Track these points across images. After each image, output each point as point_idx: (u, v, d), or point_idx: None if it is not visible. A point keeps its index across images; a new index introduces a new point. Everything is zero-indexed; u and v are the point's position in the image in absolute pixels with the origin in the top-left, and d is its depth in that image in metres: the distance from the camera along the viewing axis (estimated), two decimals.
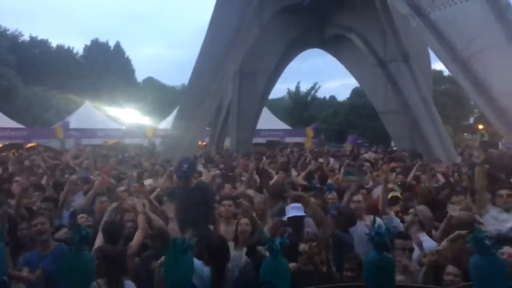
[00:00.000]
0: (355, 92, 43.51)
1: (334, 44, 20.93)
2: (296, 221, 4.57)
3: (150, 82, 58.63)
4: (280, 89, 62.91)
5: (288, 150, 18.45)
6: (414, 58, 16.20)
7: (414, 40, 16.25)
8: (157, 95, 48.58)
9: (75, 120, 24.84)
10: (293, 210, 4.63)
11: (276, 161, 11.06)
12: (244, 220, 4.52)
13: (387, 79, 17.04)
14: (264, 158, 11.94)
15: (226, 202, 5.06)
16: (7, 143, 21.70)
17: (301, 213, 4.61)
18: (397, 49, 16.23)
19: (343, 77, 67.65)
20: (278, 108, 42.31)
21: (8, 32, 42.96)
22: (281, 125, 32.79)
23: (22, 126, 24.56)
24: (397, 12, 14.21)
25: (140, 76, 59.76)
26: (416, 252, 4.15)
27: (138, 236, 4.44)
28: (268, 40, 18.25)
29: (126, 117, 31.11)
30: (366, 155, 14.41)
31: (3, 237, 2.28)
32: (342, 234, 4.52)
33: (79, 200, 6.57)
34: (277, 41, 19.42)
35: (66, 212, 5.78)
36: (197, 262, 3.23)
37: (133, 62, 57.26)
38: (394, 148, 20.90)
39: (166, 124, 28.28)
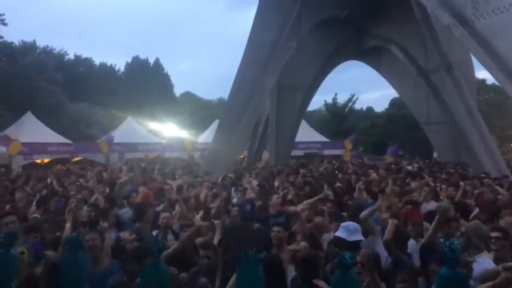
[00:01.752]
0: (393, 103, 42.75)
1: (374, 56, 20.74)
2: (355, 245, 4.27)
3: (188, 96, 59.92)
4: (316, 101, 62.43)
5: (325, 162, 18.20)
6: (456, 67, 15.80)
7: (456, 49, 15.86)
8: (195, 109, 49.53)
9: (118, 135, 25.66)
10: (354, 233, 4.33)
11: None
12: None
13: (429, 89, 16.67)
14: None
15: (276, 228, 4.87)
16: (54, 157, 22.76)
17: (361, 237, 4.39)
18: (439, 59, 15.86)
19: (381, 88, 66.31)
20: (315, 120, 42.11)
21: (55, 51, 44.98)
22: (319, 137, 32.53)
23: (69, 142, 25.63)
24: (437, 21, 13.94)
25: (177, 90, 61.20)
26: None
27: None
28: (306, 54, 18.31)
29: (166, 131, 31.93)
30: (409, 167, 14.06)
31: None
32: (403, 257, 4.35)
33: (126, 215, 6.56)
34: (315, 54, 19.46)
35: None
36: None
37: (171, 78, 58.79)
38: (438, 160, 20.36)
39: (204, 137, 28.80)
